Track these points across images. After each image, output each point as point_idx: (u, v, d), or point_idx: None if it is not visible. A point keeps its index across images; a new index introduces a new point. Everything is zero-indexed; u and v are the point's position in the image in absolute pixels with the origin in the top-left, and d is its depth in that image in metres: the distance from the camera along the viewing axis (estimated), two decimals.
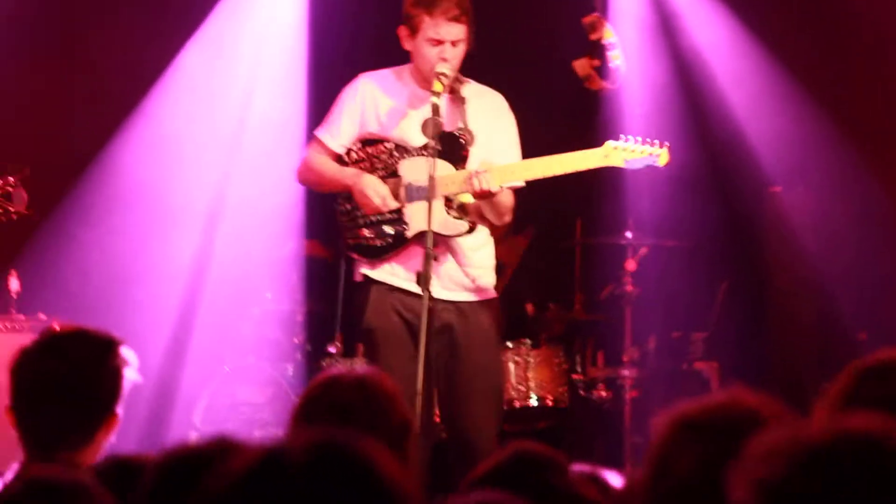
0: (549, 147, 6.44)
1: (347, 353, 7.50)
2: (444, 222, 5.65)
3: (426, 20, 5.64)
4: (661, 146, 5.72)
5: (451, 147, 5.66)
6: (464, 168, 5.68)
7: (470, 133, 5.70)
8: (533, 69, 8.25)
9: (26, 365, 3.27)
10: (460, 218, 5.74)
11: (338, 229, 5.96)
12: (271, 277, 7.87)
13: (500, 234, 8.63)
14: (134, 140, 7.97)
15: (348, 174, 5.81)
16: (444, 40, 5.64)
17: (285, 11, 8.00)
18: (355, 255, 5.86)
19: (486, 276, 5.88)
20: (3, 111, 7.73)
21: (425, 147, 5.60)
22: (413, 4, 5.71)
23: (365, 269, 5.82)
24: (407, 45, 5.78)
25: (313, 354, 7.82)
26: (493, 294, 5.91)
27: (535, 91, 8.24)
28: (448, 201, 5.69)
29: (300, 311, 7.84)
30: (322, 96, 6.48)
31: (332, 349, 7.54)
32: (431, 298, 5.36)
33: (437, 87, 5.58)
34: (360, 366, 3.07)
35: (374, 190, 5.70)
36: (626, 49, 6.80)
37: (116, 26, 8.03)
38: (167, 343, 7.81)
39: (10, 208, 6.23)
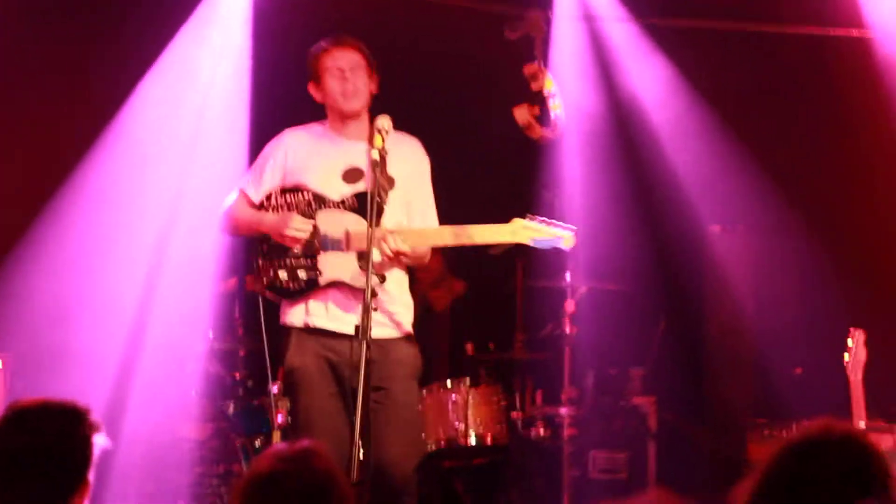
0: (488, 193, 6.49)
1: (287, 391, 7.51)
2: (355, 274, 5.83)
3: (322, 57, 6.04)
4: (567, 230, 5.88)
5: (368, 205, 5.76)
6: (378, 225, 5.80)
7: (386, 190, 5.86)
8: (474, 116, 8.35)
9: None
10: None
11: (257, 269, 6.07)
12: (213, 314, 7.91)
13: (434, 279, 8.75)
14: (86, 179, 8.03)
15: (268, 218, 6.00)
16: (343, 68, 5.99)
17: (229, 65, 8.14)
18: (269, 295, 6.03)
19: (405, 314, 6.05)
20: None
21: (342, 202, 5.93)
22: (311, 54, 6.09)
23: (286, 313, 6.00)
24: (317, 96, 6.09)
25: (254, 391, 7.87)
26: (409, 330, 6.06)
27: (476, 138, 8.37)
28: (360, 255, 5.79)
29: (241, 348, 7.89)
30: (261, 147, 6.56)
31: (273, 388, 7.56)
32: (358, 340, 5.42)
33: (378, 142, 5.75)
34: (302, 441, 3.11)
35: (293, 227, 5.91)
36: (566, 94, 6.90)
37: (72, 67, 8.08)
38: (113, 376, 7.82)
39: None
